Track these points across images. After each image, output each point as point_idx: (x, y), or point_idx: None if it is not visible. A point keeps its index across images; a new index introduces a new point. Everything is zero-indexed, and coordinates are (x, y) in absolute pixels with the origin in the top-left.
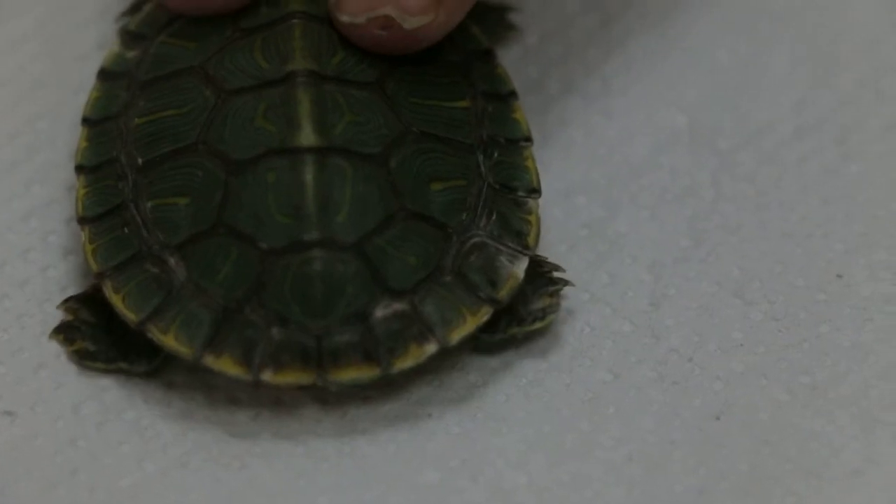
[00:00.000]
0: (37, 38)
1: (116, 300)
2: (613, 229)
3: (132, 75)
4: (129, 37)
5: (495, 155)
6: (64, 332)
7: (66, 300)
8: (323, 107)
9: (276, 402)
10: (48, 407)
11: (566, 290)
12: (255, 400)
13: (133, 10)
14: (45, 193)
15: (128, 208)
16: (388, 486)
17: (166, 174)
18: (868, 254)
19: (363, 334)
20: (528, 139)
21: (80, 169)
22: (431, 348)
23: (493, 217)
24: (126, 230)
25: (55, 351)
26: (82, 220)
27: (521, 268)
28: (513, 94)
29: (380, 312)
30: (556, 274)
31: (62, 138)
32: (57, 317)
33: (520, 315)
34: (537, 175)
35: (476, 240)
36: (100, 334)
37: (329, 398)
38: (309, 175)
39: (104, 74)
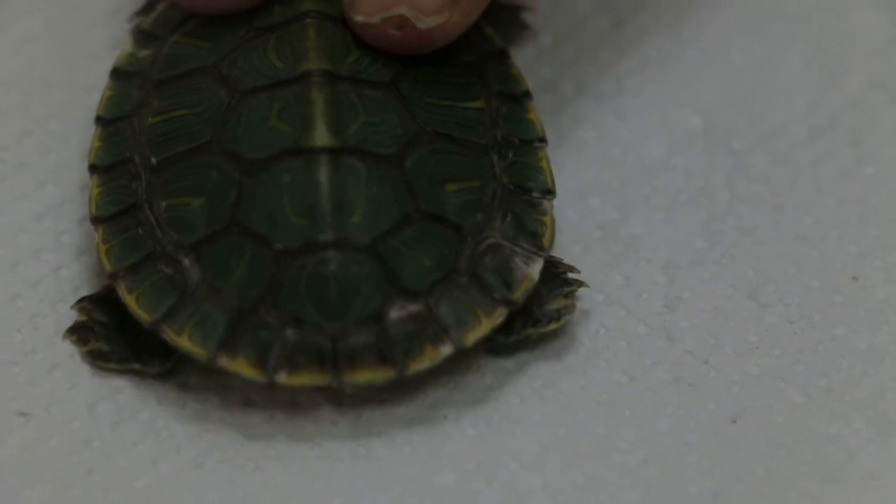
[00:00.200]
0: (48, 37)
1: (130, 301)
2: (627, 231)
3: (145, 75)
4: (142, 36)
5: (510, 156)
6: (77, 333)
7: (80, 300)
8: (337, 107)
9: (292, 403)
10: (62, 407)
11: (581, 291)
12: (270, 401)
13: (146, 9)
14: (57, 193)
15: (142, 208)
16: (403, 488)
17: (180, 174)
18: (883, 256)
19: (378, 335)
20: (543, 140)
21: (93, 168)
22: (447, 350)
23: (508, 218)
24: (140, 230)
25: (69, 351)
26: (96, 220)
27: (535, 269)
28: (527, 95)
29: (395, 314)
30: (570, 275)
31: (74, 138)
32: (70, 317)
33: (535, 316)
34: (552, 176)
35: (491, 241)
36: (113, 335)
37: (344, 400)
38: (324, 175)
39: (117, 74)
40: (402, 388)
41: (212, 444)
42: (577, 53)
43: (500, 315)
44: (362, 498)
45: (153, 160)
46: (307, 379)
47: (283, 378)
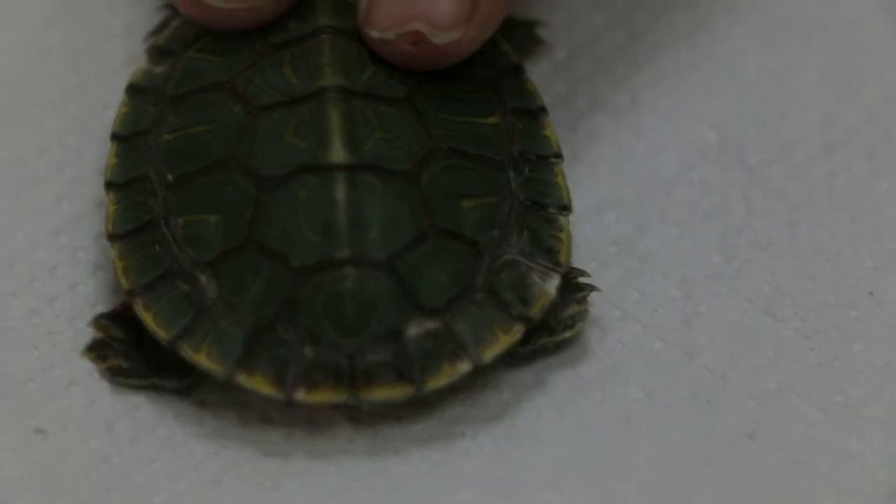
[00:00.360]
0: (64, 52)
1: (147, 318)
2: (643, 246)
3: (161, 91)
4: (157, 52)
5: (526, 171)
6: (96, 350)
7: (96, 317)
8: (353, 123)
9: (309, 420)
10: (80, 424)
11: (597, 307)
12: (287, 418)
13: (161, 27)
14: (73, 209)
15: (158, 225)
16: None
17: (196, 191)
18: None
19: (396, 353)
20: (559, 155)
21: (109, 185)
22: (465, 367)
23: (524, 234)
24: (156, 247)
25: (86, 368)
26: (112, 237)
27: (552, 285)
28: (542, 110)
29: (412, 331)
30: (581, 279)
31: (90, 154)
32: (87, 334)
33: (549, 325)
34: (568, 192)
35: (507, 257)
36: (132, 351)
37: (362, 417)
38: (340, 192)
39: (133, 90)
40: (420, 405)
41: (230, 461)
42: (591, 68)
43: (517, 331)
44: None
45: (169, 177)
46: (325, 396)
47: (300, 395)
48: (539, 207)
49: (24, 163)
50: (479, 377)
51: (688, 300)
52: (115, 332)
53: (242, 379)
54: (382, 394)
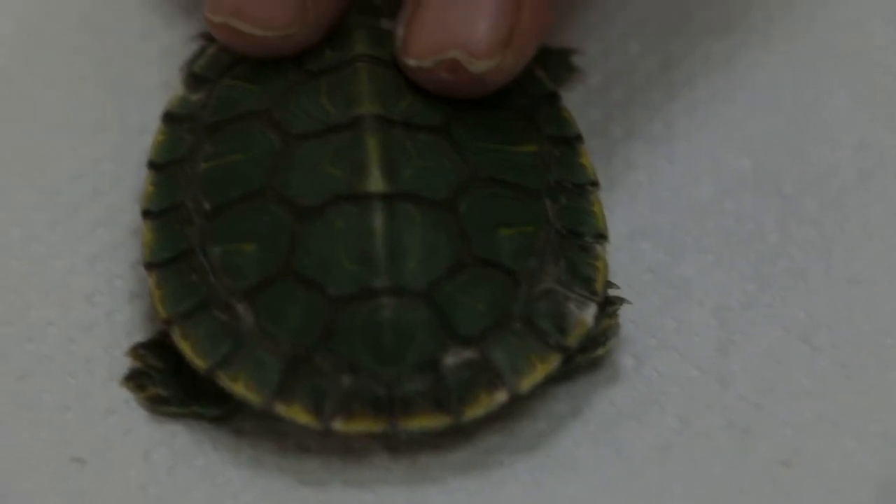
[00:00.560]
0: (99, 78)
1: (185, 347)
2: (679, 274)
3: (197, 118)
4: (194, 79)
5: (562, 200)
6: (134, 379)
7: (133, 347)
8: (391, 152)
9: (346, 449)
10: (118, 453)
11: (633, 335)
12: (324, 447)
13: (197, 54)
14: (110, 237)
15: (195, 254)
16: None
17: (233, 220)
18: None
19: (433, 382)
20: (595, 184)
21: (146, 213)
22: (502, 397)
23: (561, 263)
24: (194, 276)
25: (124, 396)
26: (149, 266)
27: (589, 314)
28: (578, 138)
29: (450, 360)
30: (611, 292)
31: (127, 180)
32: (124, 362)
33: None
34: (604, 220)
35: (544, 286)
36: (170, 379)
37: (399, 446)
38: (378, 221)
39: (169, 117)
40: (456, 434)
41: (267, 489)
42: (626, 96)
43: (554, 361)
44: None
45: (206, 205)
46: (363, 426)
47: (338, 425)
48: (576, 236)
49: (59, 190)
50: (516, 406)
51: (723, 328)
52: (153, 360)
53: (280, 408)
54: (420, 423)
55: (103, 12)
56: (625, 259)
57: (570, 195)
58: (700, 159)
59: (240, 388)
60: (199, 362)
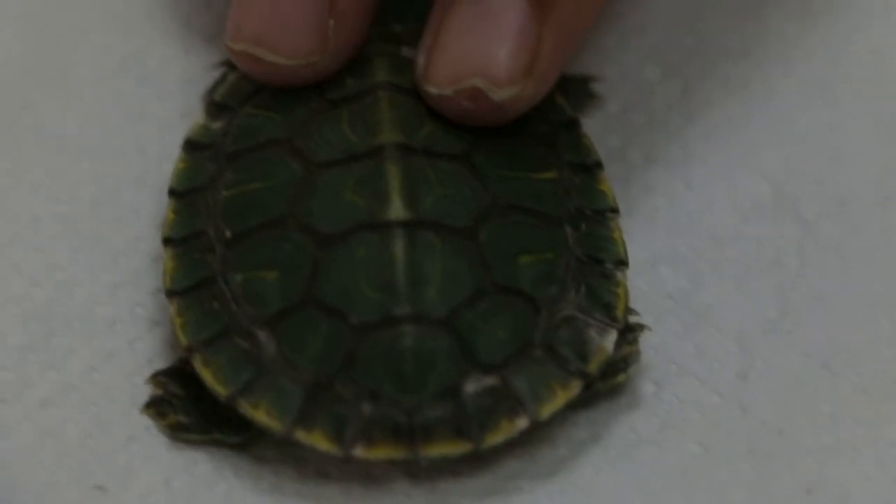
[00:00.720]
0: (119, 107)
1: (206, 374)
2: (699, 300)
3: (218, 146)
4: (214, 107)
5: (582, 227)
6: (155, 407)
7: (154, 375)
8: (412, 180)
9: (367, 476)
10: (139, 481)
11: (653, 362)
12: (345, 474)
13: (218, 82)
14: (131, 265)
15: (216, 282)
16: None
17: (255, 248)
18: None
19: (454, 409)
20: (615, 210)
21: (167, 241)
22: (522, 423)
23: (582, 289)
24: (215, 304)
25: (144, 424)
26: (170, 294)
27: (610, 341)
28: (598, 165)
29: (470, 387)
30: (632, 319)
31: (147, 209)
32: (145, 390)
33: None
34: (624, 246)
35: (565, 313)
36: (190, 407)
37: (419, 472)
38: (399, 249)
39: (190, 145)
40: (477, 460)
41: None
42: (645, 121)
43: (575, 388)
44: None
45: (227, 233)
46: (384, 453)
47: (359, 452)
48: (596, 263)
49: (81, 218)
50: (536, 432)
51: (744, 354)
52: (174, 388)
53: (301, 435)
54: (441, 450)
55: (124, 41)
56: (645, 285)
57: (591, 222)
58: (719, 185)
59: (261, 416)
60: (220, 390)
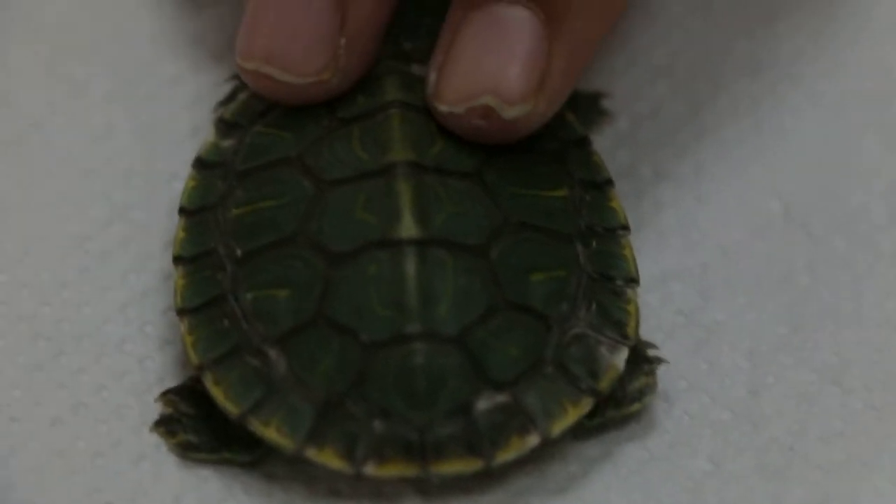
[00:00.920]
0: (129, 125)
1: (217, 393)
2: (710, 316)
3: (228, 165)
4: (225, 126)
5: (593, 244)
6: (165, 425)
7: (164, 393)
8: (423, 198)
9: (377, 493)
10: (149, 499)
11: (664, 378)
12: (356, 492)
13: (228, 100)
14: (140, 283)
15: (227, 300)
16: None
17: (265, 266)
18: None
19: (465, 427)
20: (626, 227)
21: (178, 259)
22: (534, 440)
23: (593, 307)
24: (225, 322)
25: (154, 442)
26: (181, 312)
27: (620, 358)
28: (609, 182)
29: (482, 405)
30: (650, 352)
31: (157, 227)
32: (155, 408)
33: (617, 397)
34: (635, 264)
35: (576, 330)
36: (200, 425)
37: (431, 490)
38: (410, 267)
39: (200, 164)
40: (488, 478)
41: None
42: (655, 137)
43: (586, 405)
44: None
45: (238, 251)
46: (395, 470)
47: (370, 470)
48: (607, 280)
49: (90, 237)
50: (547, 449)
51: (755, 371)
52: (184, 406)
53: (312, 453)
54: (452, 467)
55: (132, 59)
56: (655, 301)
57: (601, 239)
58: (729, 201)
59: (272, 434)
60: (230, 408)
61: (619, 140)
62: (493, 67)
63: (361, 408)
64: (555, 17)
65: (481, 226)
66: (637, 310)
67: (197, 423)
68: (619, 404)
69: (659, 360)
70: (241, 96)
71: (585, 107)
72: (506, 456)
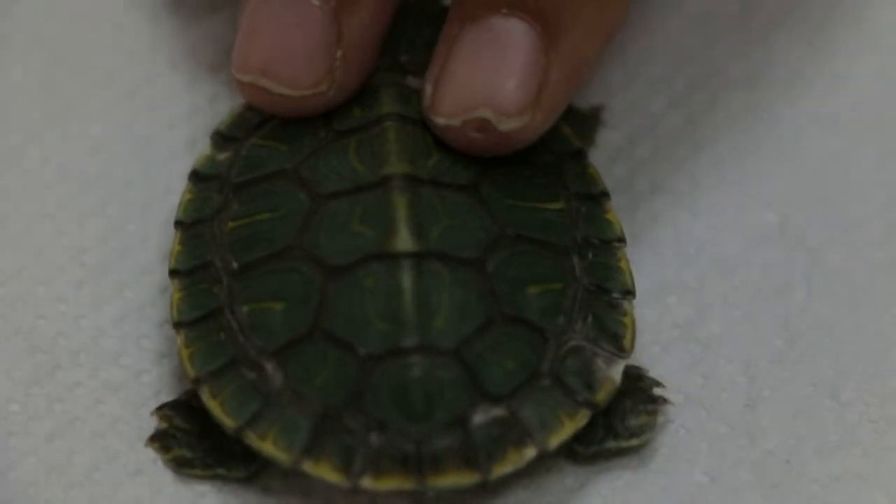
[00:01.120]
0: (125, 138)
1: (214, 406)
2: (706, 330)
3: (224, 178)
4: (221, 138)
5: (589, 256)
6: (160, 440)
7: (160, 407)
8: (419, 211)
9: None
10: None
11: (660, 391)
12: None
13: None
14: (137, 297)
15: (223, 313)
16: None
17: (262, 279)
18: None
19: (462, 439)
20: (622, 240)
21: (174, 273)
22: (530, 453)
23: (589, 319)
24: (222, 335)
25: (151, 456)
26: (178, 325)
27: (617, 371)
28: (605, 195)
29: (478, 418)
30: (656, 390)
31: (153, 240)
32: (152, 422)
33: (616, 430)
34: (631, 276)
35: (572, 343)
36: (195, 441)
37: (427, 503)
38: (407, 280)
39: (196, 176)
40: (484, 490)
41: None
42: (651, 151)
43: (582, 418)
44: None
45: (234, 264)
46: (392, 483)
47: (367, 483)
48: (603, 292)
49: (86, 250)
50: (543, 462)
51: (751, 384)
52: (179, 421)
53: (308, 466)
54: (449, 480)
55: (130, 72)
56: (651, 315)
57: (597, 252)
58: (725, 214)
59: (268, 447)
60: (227, 421)
61: (615, 154)
62: (489, 80)
63: (358, 421)
64: (552, 29)
65: (477, 238)
66: (633, 322)
67: (192, 439)
68: (618, 436)
69: (664, 400)
70: (237, 109)
71: (581, 119)
72: (502, 469)
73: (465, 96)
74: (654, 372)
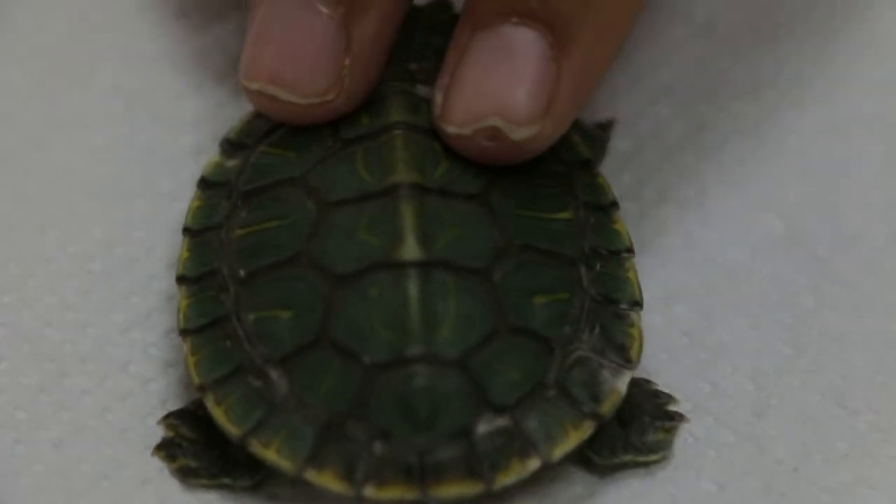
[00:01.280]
0: (131, 145)
1: (218, 413)
2: (714, 338)
3: (233, 185)
4: (229, 146)
5: (597, 266)
6: (165, 449)
7: (166, 416)
8: (426, 220)
9: None
10: None
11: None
12: None
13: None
14: (144, 305)
15: (230, 320)
16: None
17: (268, 286)
18: None
19: (466, 450)
20: (630, 250)
21: (181, 280)
22: (534, 464)
23: (596, 330)
24: (228, 343)
25: (158, 465)
26: (184, 332)
27: (623, 382)
28: (614, 205)
29: (483, 428)
30: (672, 408)
31: (159, 247)
32: (159, 431)
33: (635, 444)
34: (639, 287)
35: (578, 354)
36: (200, 451)
37: None
38: (413, 289)
39: (204, 184)
40: (490, 500)
41: None
42: (658, 159)
43: (587, 429)
44: None
45: (241, 272)
46: (395, 493)
47: (370, 492)
48: (610, 303)
49: (92, 257)
50: (550, 470)
51: (760, 392)
52: (185, 431)
53: (312, 475)
54: (452, 490)
55: (135, 78)
56: (659, 323)
57: (605, 262)
58: (733, 222)
59: (272, 455)
60: (231, 429)
61: (623, 162)
62: (500, 88)
63: (362, 429)
64: (562, 38)
65: (484, 248)
66: (640, 333)
67: (197, 448)
68: (637, 451)
69: (681, 418)
70: (246, 117)
71: (588, 129)
72: (506, 479)
73: (475, 105)
74: (661, 379)
